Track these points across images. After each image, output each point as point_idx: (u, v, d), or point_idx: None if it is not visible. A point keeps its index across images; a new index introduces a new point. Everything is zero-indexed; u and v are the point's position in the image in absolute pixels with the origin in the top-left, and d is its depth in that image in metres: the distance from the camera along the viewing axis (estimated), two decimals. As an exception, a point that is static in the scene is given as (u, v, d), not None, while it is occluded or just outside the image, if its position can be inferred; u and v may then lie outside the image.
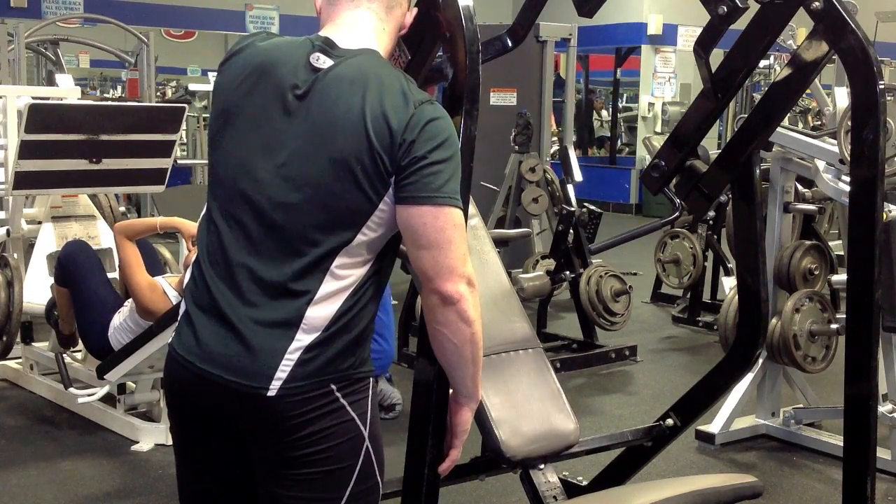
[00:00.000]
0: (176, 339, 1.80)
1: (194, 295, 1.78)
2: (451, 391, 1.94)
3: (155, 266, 4.46)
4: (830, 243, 4.96)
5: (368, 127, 1.67)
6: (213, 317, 1.73)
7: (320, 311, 1.70)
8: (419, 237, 1.69)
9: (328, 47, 1.76)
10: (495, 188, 7.12)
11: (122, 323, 4.14)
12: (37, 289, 4.78)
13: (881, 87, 2.22)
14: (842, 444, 2.43)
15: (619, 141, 14.22)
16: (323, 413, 1.71)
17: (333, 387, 1.72)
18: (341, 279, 1.71)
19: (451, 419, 1.93)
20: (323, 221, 1.69)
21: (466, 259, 1.71)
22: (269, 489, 1.77)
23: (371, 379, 1.80)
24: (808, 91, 3.53)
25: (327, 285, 1.70)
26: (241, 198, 1.74)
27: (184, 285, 1.84)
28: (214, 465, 1.84)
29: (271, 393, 1.68)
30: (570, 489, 2.75)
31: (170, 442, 4.13)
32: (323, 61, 1.74)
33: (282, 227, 1.71)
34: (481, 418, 2.54)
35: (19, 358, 5.02)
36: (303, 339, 1.69)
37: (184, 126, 5.41)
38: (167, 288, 4.09)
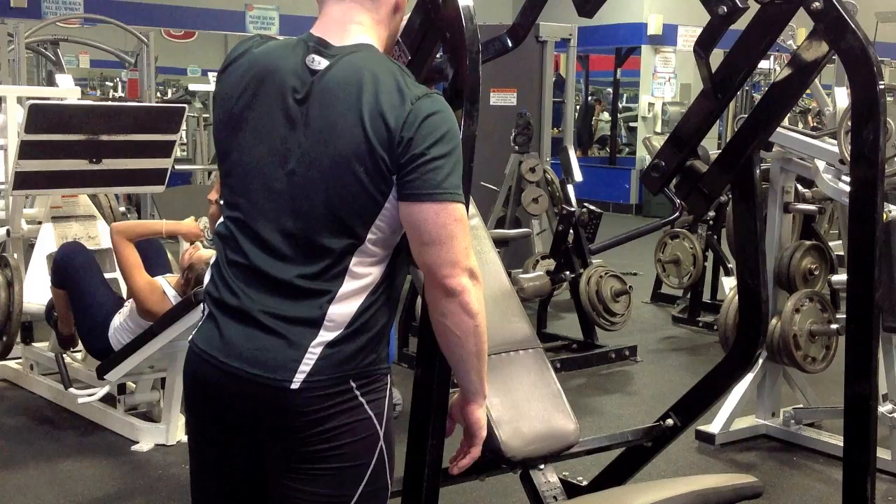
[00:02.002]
0: (198, 335, 1.82)
1: (216, 296, 1.79)
2: (456, 395, 1.93)
3: (163, 265, 4.46)
4: (830, 243, 4.96)
5: (367, 127, 1.67)
6: (238, 316, 1.75)
7: (342, 309, 1.72)
8: (422, 233, 1.70)
9: (322, 47, 1.76)
10: (495, 188, 7.12)
11: (122, 323, 4.14)
12: (37, 289, 4.77)
13: (881, 87, 2.21)
14: (842, 444, 2.43)
15: (619, 141, 14.22)
16: (341, 410, 1.73)
17: (353, 384, 1.73)
18: (360, 278, 1.73)
19: (463, 420, 1.92)
20: (334, 224, 1.70)
21: (469, 252, 1.72)
22: (281, 484, 1.78)
23: (388, 379, 1.81)
24: (808, 91, 3.52)
25: (348, 285, 1.72)
26: (256, 207, 1.75)
27: (203, 286, 1.86)
28: (228, 460, 1.85)
29: (294, 386, 1.70)
30: (570, 489, 2.75)
31: (170, 442, 4.15)
32: (318, 62, 1.73)
33: (297, 233, 1.72)
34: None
35: (19, 358, 5.01)
36: (326, 336, 1.71)
37: (184, 126, 5.41)
38: (167, 288, 4.09)
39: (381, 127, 1.67)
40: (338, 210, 1.70)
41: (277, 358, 1.71)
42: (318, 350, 1.71)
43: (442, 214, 1.69)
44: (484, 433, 1.91)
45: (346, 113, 1.69)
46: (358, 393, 1.74)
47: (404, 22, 1.96)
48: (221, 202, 1.86)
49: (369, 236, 1.72)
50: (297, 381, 1.70)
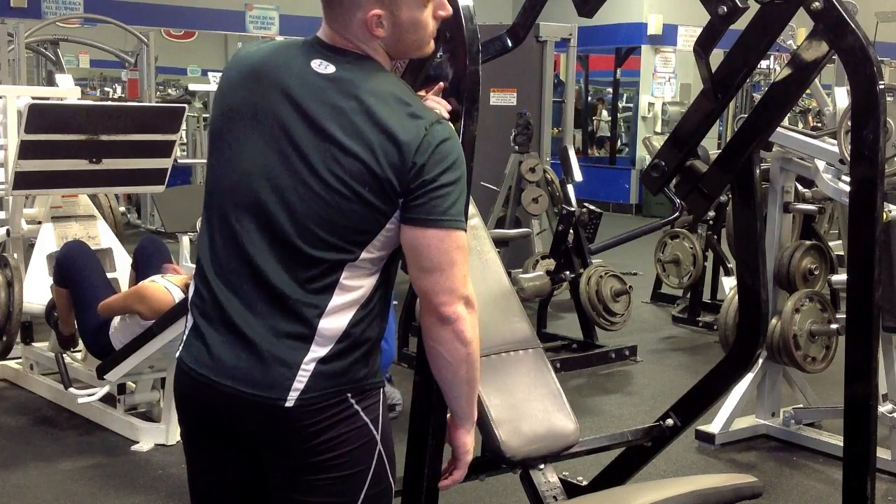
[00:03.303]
0: (185, 352, 1.78)
1: (201, 308, 1.76)
2: (448, 416, 1.94)
3: (166, 259, 4.46)
4: (830, 243, 4.96)
5: (377, 151, 1.65)
6: (225, 329, 1.72)
7: (332, 324, 1.70)
8: (423, 259, 1.69)
9: (327, 51, 1.73)
10: (495, 188, 7.12)
11: (122, 323, 4.14)
12: (37, 289, 4.78)
13: (881, 87, 2.21)
14: (842, 444, 2.43)
15: (619, 141, 14.22)
16: (338, 420, 1.71)
17: (348, 395, 1.72)
18: (351, 291, 1.71)
19: (450, 441, 1.93)
20: (330, 239, 1.68)
21: (467, 280, 1.71)
22: (285, 495, 1.77)
23: (381, 389, 1.81)
24: (808, 91, 3.52)
25: (337, 298, 1.70)
26: (247, 209, 1.71)
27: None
28: (227, 473, 1.84)
29: (289, 404, 1.68)
30: (570, 489, 2.75)
31: (170, 442, 4.15)
32: (325, 66, 1.71)
33: (290, 241, 1.69)
34: (481, 418, 2.53)
35: (19, 358, 5.02)
36: (317, 351, 1.69)
37: (184, 126, 5.42)
38: (166, 283, 4.06)
39: (393, 152, 1.65)
40: (336, 226, 1.67)
41: (269, 376, 1.68)
42: (311, 367, 1.69)
43: (446, 241, 1.68)
44: (469, 458, 1.93)
45: (354, 133, 1.65)
46: (353, 402, 1.73)
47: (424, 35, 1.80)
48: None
49: (364, 255, 1.70)
50: (291, 399, 1.68)
